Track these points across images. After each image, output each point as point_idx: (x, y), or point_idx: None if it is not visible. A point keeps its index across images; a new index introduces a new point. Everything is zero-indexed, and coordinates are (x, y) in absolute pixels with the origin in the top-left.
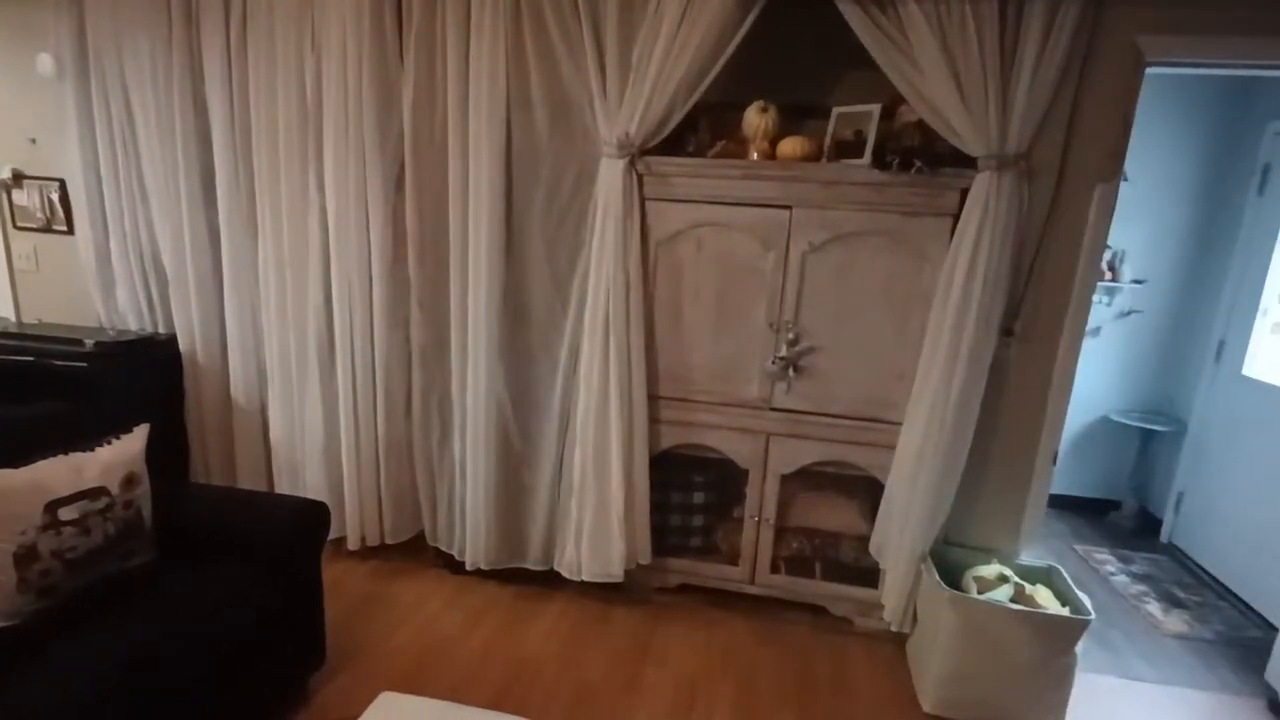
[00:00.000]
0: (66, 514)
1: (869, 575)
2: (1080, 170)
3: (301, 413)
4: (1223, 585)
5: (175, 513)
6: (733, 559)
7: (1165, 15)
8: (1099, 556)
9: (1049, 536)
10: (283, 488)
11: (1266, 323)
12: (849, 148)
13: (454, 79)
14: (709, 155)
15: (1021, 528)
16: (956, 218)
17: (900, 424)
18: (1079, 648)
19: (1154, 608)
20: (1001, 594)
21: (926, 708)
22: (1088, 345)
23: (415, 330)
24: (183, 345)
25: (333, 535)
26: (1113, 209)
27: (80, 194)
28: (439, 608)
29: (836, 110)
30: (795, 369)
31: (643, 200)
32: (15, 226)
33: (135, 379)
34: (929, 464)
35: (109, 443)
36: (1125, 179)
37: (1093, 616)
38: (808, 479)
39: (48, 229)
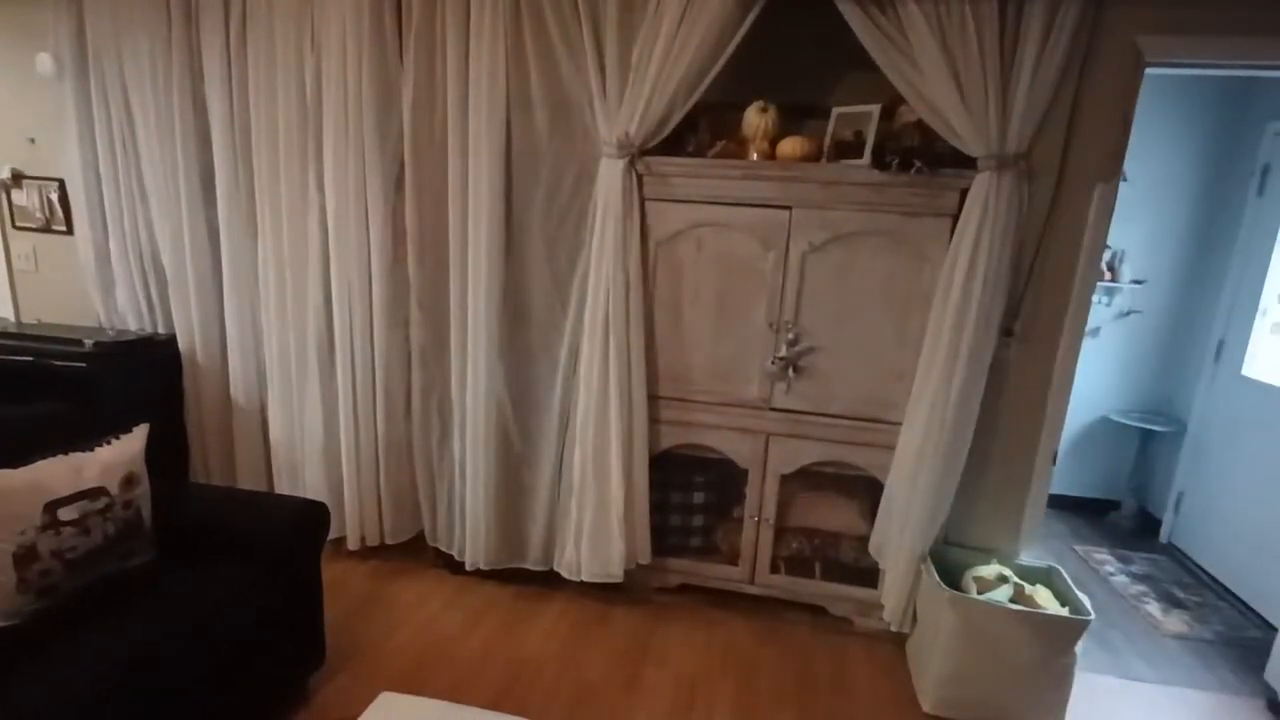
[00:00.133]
0: (66, 514)
1: (869, 575)
2: (1080, 170)
3: (301, 413)
4: (1222, 585)
5: (175, 513)
6: (732, 559)
7: (1165, 15)
8: (1098, 557)
9: (1049, 537)
10: (282, 488)
11: (1266, 323)
12: (849, 148)
13: (454, 79)
14: (709, 155)
15: (1021, 528)
16: (956, 218)
17: (900, 424)
18: (1079, 648)
19: (1153, 608)
20: (1001, 594)
21: (926, 708)
22: (1087, 345)
23: (415, 330)
24: (182, 345)
25: (332, 535)
26: (1112, 209)
27: (80, 194)
28: (439, 608)
29: (836, 110)
30: (795, 369)
31: (642, 200)
32: (15, 226)
33: (135, 379)
34: (929, 464)
35: (108, 443)
36: (1125, 179)
37: (1092, 617)
38: (807, 479)
39: (47, 229)
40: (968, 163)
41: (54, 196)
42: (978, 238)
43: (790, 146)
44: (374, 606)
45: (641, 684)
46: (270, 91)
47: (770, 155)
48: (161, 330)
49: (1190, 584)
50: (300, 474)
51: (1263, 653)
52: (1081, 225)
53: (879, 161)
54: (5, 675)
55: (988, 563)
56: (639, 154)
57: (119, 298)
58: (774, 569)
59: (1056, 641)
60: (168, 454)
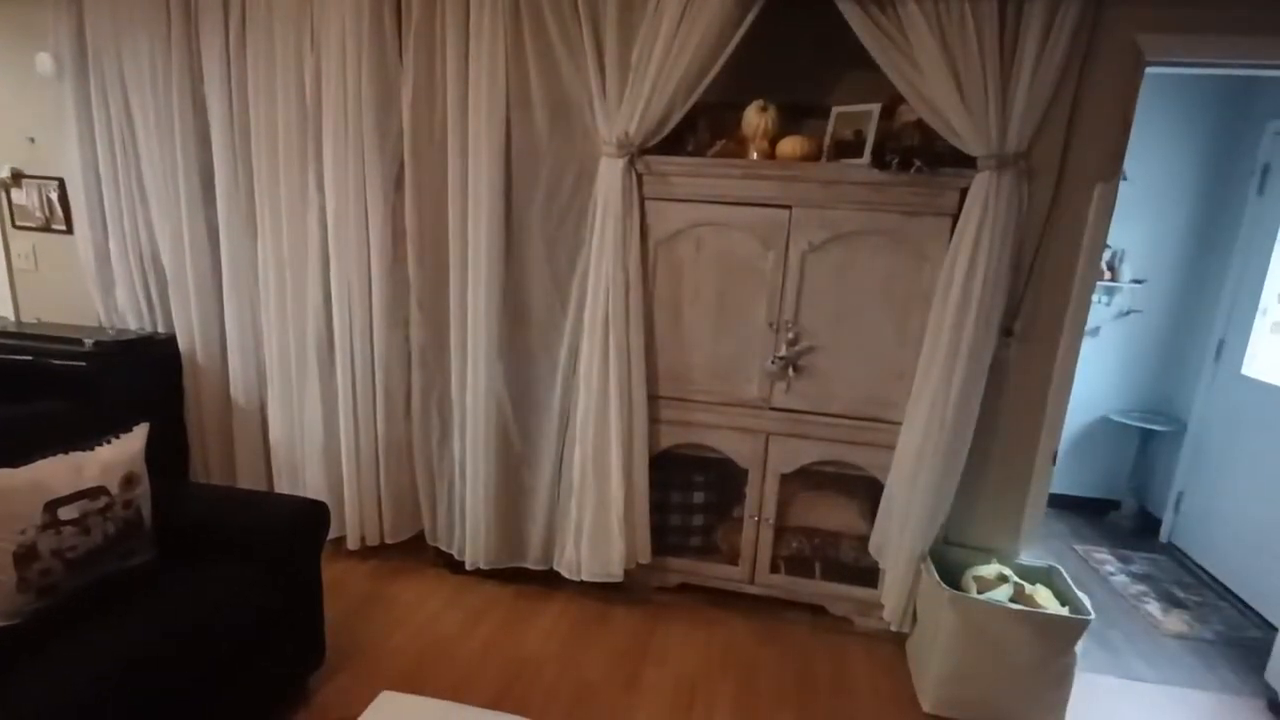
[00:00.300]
0: (66, 513)
1: (869, 575)
2: (1080, 170)
3: (301, 412)
4: (1222, 585)
5: (175, 512)
6: (732, 558)
7: (1165, 15)
8: (1098, 556)
9: (1048, 536)
10: (282, 487)
11: (1266, 322)
12: (848, 147)
13: (453, 78)
14: (708, 155)
15: (1021, 527)
16: (956, 217)
17: (900, 423)
18: (1079, 647)
19: (1153, 608)
20: (1001, 594)
21: (926, 707)
22: (1087, 345)
23: (415, 330)
24: (182, 345)
25: (332, 535)
26: (1112, 208)
27: (79, 193)
28: (439, 607)
29: (836, 110)
30: (795, 368)
31: (642, 200)
32: (14, 226)
33: (135, 379)
34: (929, 463)
35: (108, 442)
36: (1125, 178)
37: (1092, 616)
38: (807, 478)
39: (47, 228)
40: (968, 162)
41: (54, 196)
42: (978, 237)
43: (790, 146)
44: (374, 606)
45: (641, 683)
46: (270, 91)
47: (770, 154)
48: (161, 330)
49: (1190, 584)
50: (300, 474)
51: (1263, 652)
52: (1081, 224)
53: (879, 161)
54: (5, 675)
55: (988, 562)
56: (639, 153)
57: (119, 297)
58: (774, 568)
59: (1056, 641)
60: (168, 453)
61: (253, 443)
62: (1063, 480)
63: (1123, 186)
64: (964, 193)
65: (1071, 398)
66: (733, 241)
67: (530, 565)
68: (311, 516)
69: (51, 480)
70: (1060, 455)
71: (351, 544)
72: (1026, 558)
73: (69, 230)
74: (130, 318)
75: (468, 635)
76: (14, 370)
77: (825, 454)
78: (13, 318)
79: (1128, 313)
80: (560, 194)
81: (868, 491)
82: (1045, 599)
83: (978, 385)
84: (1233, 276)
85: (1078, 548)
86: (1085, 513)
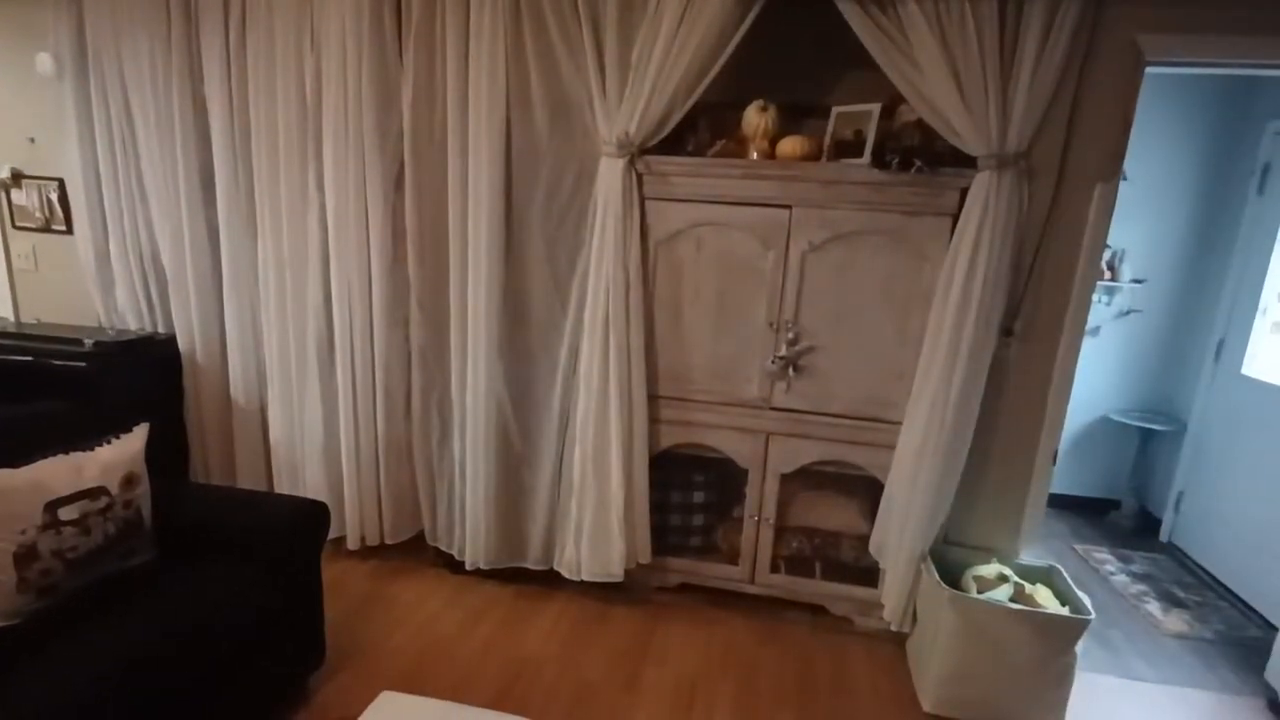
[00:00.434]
0: (66, 514)
1: (869, 575)
2: (1080, 169)
3: (301, 412)
4: (1223, 585)
5: (175, 512)
6: (733, 558)
7: (1165, 14)
8: (1099, 556)
9: (1049, 536)
10: (282, 487)
11: (1266, 322)
12: (849, 147)
13: (453, 78)
14: (709, 154)
15: (1021, 527)
16: (956, 217)
17: (900, 423)
18: (1079, 647)
19: (1154, 607)
20: (1001, 593)
21: (926, 707)
22: (1087, 345)
23: (415, 330)
24: (182, 345)
25: (332, 535)
26: (1112, 208)
27: (79, 194)
28: (439, 607)
29: (836, 110)
30: (795, 368)
31: (642, 199)
32: (14, 226)
33: (135, 379)
34: (929, 463)
35: (109, 442)
36: (1125, 178)
37: (1092, 616)
38: (808, 478)
39: (47, 229)
40: (968, 162)
41: (54, 196)
42: (978, 237)
43: (790, 146)
44: (374, 606)
45: (641, 683)
46: (270, 91)
47: (770, 154)
48: (161, 330)
49: (1190, 583)
50: (300, 473)
51: (1263, 652)
52: (1082, 224)
53: (879, 161)
54: (5, 675)
55: (988, 562)
56: (639, 153)
57: (119, 297)
58: (774, 568)
59: (1057, 641)
60: (168, 453)
61: (253, 443)
62: (1063, 480)
63: (1123, 186)
64: (964, 192)
65: (1072, 397)
66: (733, 241)
67: (530, 565)
68: (311, 516)
69: (52, 480)
70: (1060, 455)
71: (351, 544)
72: (1027, 557)
73: (69, 230)
74: (130, 318)
75: (468, 635)
76: (14, 370)
77: (825, 454)
78: (13, 318)
79: (1128, 312)
80: (560, 194)
81: (868, 491)
82: (1045, 599)
83: (978, 385)
84: (1233, 276)
85: (1078, 547)
86: (1085, 512)
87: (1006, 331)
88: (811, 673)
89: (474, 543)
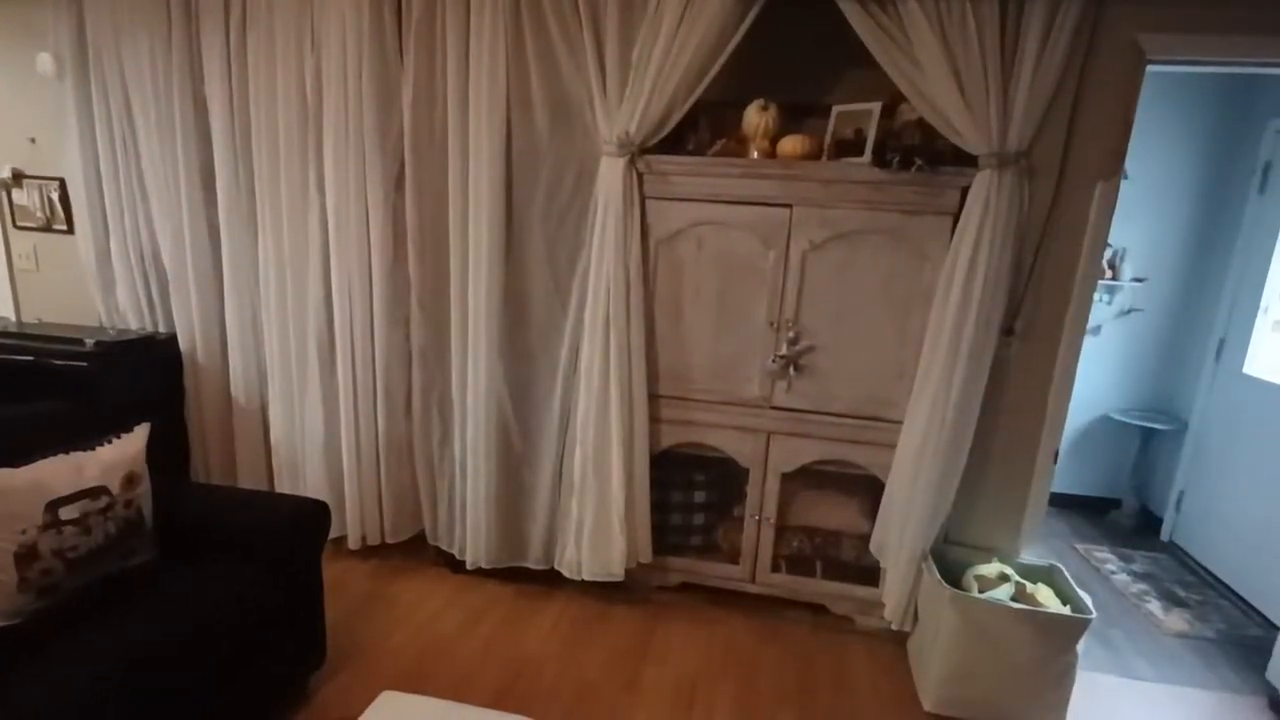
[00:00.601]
0: (67, 513)
1: (870, 574)
2: (1081, 168)
3: (302, 412)
4: (1223, 584)
5: (176, 512)
6: (733, 558)
7: (1166, 14)
8: (1100, 555)
9: (1050, 535)
10: (283, 487)
11: (1267, 321)
12: (849, 146)
13: (454, 78)
14: (709, 154)
15: (1022, 526)
16: (957, 216)
17: (901, 423)
18: (1080, 646)
19: (1155, 606)
20: (1002, 593)
21: (927, 706)
22: (1088, 344)
23: (415, 329)
24: (183, 344)
25: (333, 534)
26: (1113, 207)
27: (80, 193)
28: (439, 607)
29: (836, 109)
30: (796, 367)
31: (643, 199)
32: (15, 226)
33: (135, 378)
34: (929, 462)
35: (109, 442)
36: (1126, 177)
37: (1093, 615)
38: (808, 478)
39: (48, 228)
40: (968, 161)
41: (54, 196)
42: (978, 236)
43: (791, 145)
44: (375, 605)
45: (642, 683)
46: (270, 91)
47: (770, 153)
48: (162, 329)
49: (1191, 582)
50: (301, 473)
51: (1264, 651)
52: (1082, 223)
53: (880, 159)
54: (5, 675)
55: (989, 561)
56: (639, 152)
57: (119, 297)
58: (775, 568)
59: (1058, 640)
60: (168, 453)
61: (253, 442)
62: (1064, 479)
63: (1124, 185)
64: (965, 191)
65: (1072, 396)
66: (733, 240)
67: (531, 564)
68: (312, 516)
69: (52, 480)
70: (1061, 454)
71: (352, 543)
72: (1027, 556)
73: (70, 230)
74: (131, 317)
75: (468, 634)
76: (15, 370)
77: (826, 453)
78: (13, 318)
79: (1129, 311)
80: (561, 193)
81: (868, 490)
82: (1046, 598)
83: (978, 384)
84: (1234, 275)
85: (1079, 547)
86: (1086, 511)
87: (1007, 330)
88: (812, 672)
89: (474, 542)
